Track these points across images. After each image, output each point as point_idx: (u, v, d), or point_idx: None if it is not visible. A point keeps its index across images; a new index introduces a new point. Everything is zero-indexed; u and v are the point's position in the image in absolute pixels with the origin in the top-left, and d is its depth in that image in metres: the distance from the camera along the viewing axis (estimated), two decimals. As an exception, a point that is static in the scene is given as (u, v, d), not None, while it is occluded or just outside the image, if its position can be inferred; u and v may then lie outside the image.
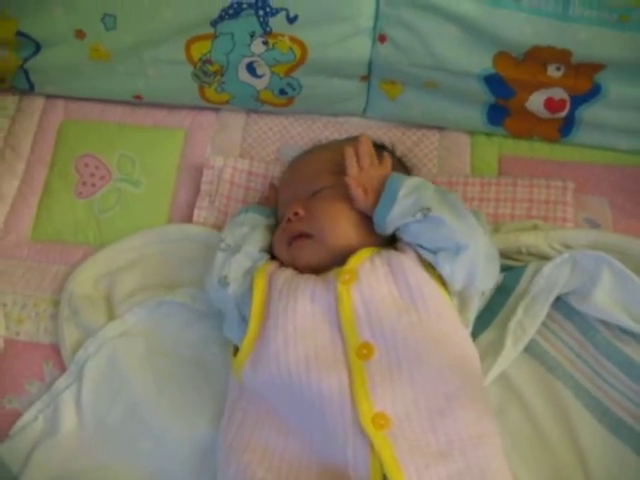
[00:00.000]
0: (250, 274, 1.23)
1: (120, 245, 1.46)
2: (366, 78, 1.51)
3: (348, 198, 1.23)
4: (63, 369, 1.33)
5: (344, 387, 1.06)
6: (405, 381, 1.07)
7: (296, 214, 1.25)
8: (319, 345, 1.10)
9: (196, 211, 1.46)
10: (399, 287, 1.14)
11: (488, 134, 1.56)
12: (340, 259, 1.18)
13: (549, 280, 1.29)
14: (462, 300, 1.20)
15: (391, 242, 1.25)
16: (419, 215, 1.14)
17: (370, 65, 1.47)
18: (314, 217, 1.24)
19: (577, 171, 1.50)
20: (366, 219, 1.23)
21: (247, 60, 1.46)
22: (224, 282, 1.23)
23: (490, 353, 1.26)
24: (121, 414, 1.29)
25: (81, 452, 1.27)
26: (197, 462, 1.22)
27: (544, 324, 1.30)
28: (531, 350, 1.29)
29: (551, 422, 1.25)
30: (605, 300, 1.26)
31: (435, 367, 1.08)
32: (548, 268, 1.29)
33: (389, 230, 1.20)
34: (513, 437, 1.22)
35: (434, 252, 1.16)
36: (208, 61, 1.46)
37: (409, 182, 1.19)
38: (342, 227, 1.23)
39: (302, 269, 1.22)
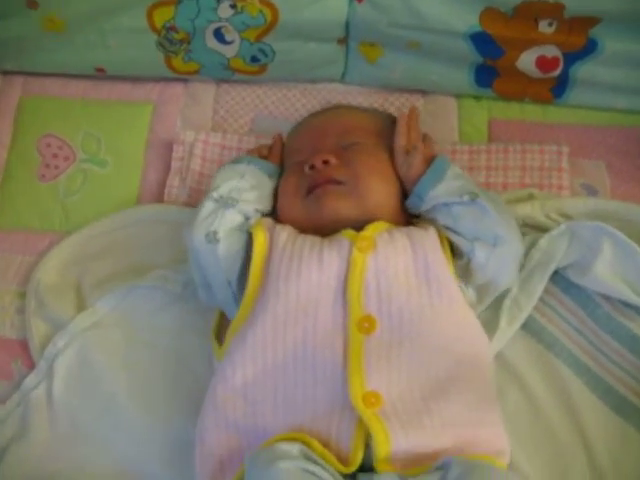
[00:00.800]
0: (242, 232, 1.14)
1: (88, 231, 1.35)
2: (344, 41, 1.39)
3: (387, 160, 1.20)
4: (32, 366, 1.24)
5: (338, 359, 1.00)
6: (403, 362, 1.01)
7: (326, 162, 1.15)
8: (319, 317, 1.03)
9: (167, 190, 1.36)
10: (416, 264, 1.06)
11: (476, 97, 1.45)
12: (356, 221, 1.11)
13: (546, 253, 1.20)
14: (479, 294, 1.13)
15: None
16: (466, 197, 1.10)
17: (347, 26, 1.35)
18: (350, 165, 1.15)
19: (572, 134, 1.40)
20: (399, 192, 1.19)
21: (214, 26, 1.33)
22: (213, 238, 1.12)
23: (486, 332, 1.14)
24: (95, 411, 1.20)
25: (55, 452, 1.18)
26: (175, 460, 1.14)
27: (541, 299, 1.22)
28: (528, 327, 1.21)
29: (551, 402, 1.17)
30: (606, 273, 1.18)
31: (437, 352, 1.02)
32: (545, 240, 1.20)
33: (425, 207, 1.14)
34: (512, 419, 1.14)
35: (471, 240, 1.10)
36: (172, 28, 1.34)
37: (456, 167, 1.17)
38: (378, 183, 1.16)
39: (316, 221, 1.13)
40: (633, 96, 1.38)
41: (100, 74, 1.45)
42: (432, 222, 1.14)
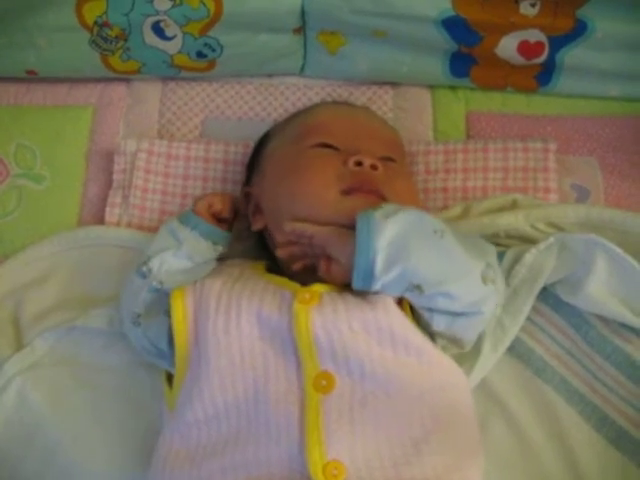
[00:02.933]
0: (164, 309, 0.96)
1: (24, 256, 1.18)
2: (300, 30, 1.20)
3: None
4: (-34, 412, 1.09)
5: (293, 422, 0.84)
6: (369, 423, 0.85)
7: (374, 167, 0.98)
8: (270, 373, 0.87)
9: (108, 209, 1.18)
10: (376, 315, 0.88)
11: (452, 87, 1.27)
12: None
13: (532, 269, 1.03)
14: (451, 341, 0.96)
15: None
16: (412, 293, 0.87)
17: (303, 14, 1.16)
18: (392, 185, 0.98)
19: (560, 126, 1.22)
20: None
21: (152, 20, 1.14)
22: (136, 320, 0.98)
23: (466, 359, 1.01)
24: (38, 462, 1.05)
25: (-6, 511, 1.05)
26: None
27: (529, 319, 1.06)
28: (514, 350, 1.06)
29: (540, 434, 1.03)
30: (600, 291, 1.01)
31: (407, 407, 0.87)
32: (531, 255, 1.03)
33: None
34: (497, 454, 1.01)
35: (427, 310, 0.91)
36: (106, 24, 1.15)
37: (383, 244, 0.85)
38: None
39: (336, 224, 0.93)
40: (627, 82, 1.20)
41: (32, 76, 1.27)
42: None
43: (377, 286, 0.86)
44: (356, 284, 0.86)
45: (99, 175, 1.23)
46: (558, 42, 1.13)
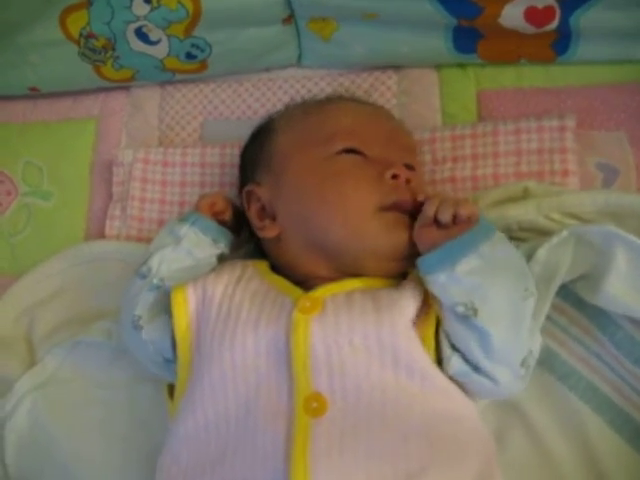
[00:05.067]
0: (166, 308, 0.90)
1: (36, 274, 1.16)
2: (290, 20, 1.10)
3: None
4: (-20, 435, 1.09)
5: (279, 445, 0.76)
6: (361, 453, 0.75)
7: (409, 181, 0.90)
8: (261, 389, 0.80)
9: (108, 222, 1.14)
10: (379, 331, 0.79)
11: (461, 65, 1.13)
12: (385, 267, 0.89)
13: (547, 266, 0.91)
14: None
15: None
16: (460, 309, 0.78)
17: (290, 3, 1.06)
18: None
19: (582, 99, 1.06)
20: None
21: (133, 26, 1.08)
22: (137, 324, 0.92)
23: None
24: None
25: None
26: None
27: (550, 318, 0.94)
28: (535, 355, 0.94)
29: (564, 447, 0.93)
30: (622, 289, 0.87)
31: (404, 439, 0.76)
32: (544, 250, 0.90)
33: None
34: (516, 469, 0.91)
35: (451, 347, 0.81)
36: (91, 35, 1.10)
37: (485, 251, 0.80)
38: None
39: (360, 244, 0.87)
40: (657, 41, 1.02)
41: (35, 93, 1.24)
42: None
43: (443, 275, 0.79)
44: (430, 259, 0.81)
45: (103, 188, 1.19)
46: (570, 4, 0.97)
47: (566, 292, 0.94)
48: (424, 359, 0.80)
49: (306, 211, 0.89)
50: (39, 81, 1.21)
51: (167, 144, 1.20)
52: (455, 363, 0.80)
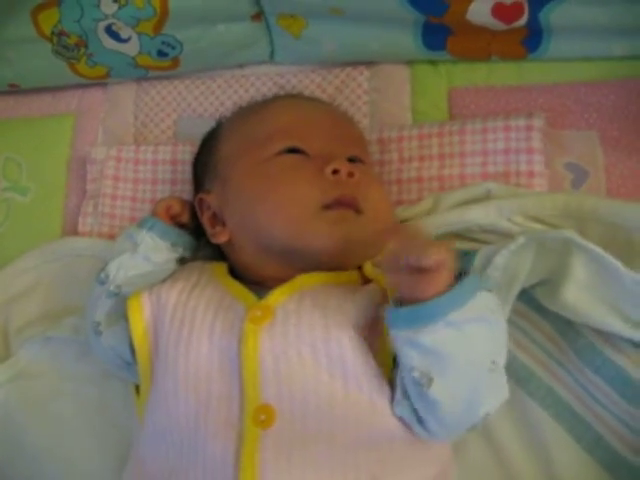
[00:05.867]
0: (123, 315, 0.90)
1: (12, 268, 1.16)
2: (260, 17, 1.08)
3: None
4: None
5: (229, 457, 0.75)
6: (309, 466, 0.75)
7: (351, 175, 0.87)
8: (212, 399, 0.79)
9: (80, 219, 1.14)
10: (327, 342, 0.77)
11: (432, 62, 1.09)
12: (338, 264, 0.86)
13: (506, 272, 0.88)
14: None
15: None
16: (416, 374, 0.71)
17: (258, 0, 1.04)
18: (369, 196, 0.88)
19: (554, 97, 1.03)
20: None
21: (103, 24, 1.07)
22: (97, 330, 0.92)
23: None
24: (25, 471, 1.03)
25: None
26: None
27: (510, 322, 0.89)
28: (494, 359, 0.90)
29: (523, 454, 0.91)
30: (581, 298, 0.85)
31: (354, 451, 0.75)
32: (501, 257, 0.87)
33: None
34: (475, 477, 0.89)
35: (404, 394, 0.76)
36: (63, 33, 1.09)
37: (457, 318, 0.70)
38: (391, 221, 0.93)
39: (306, 246, 0.85)
40: (634, 37, 0.96)
41: (15, 89, 1.24)
42: None
43: (405, 335, 0.71)
44: (394, 314, 0.72)
45: (80, 184, 1.19)
46: (538, 0, 0.93)
47: (529, 296, 0.91)
48: (373, 372, 0.77)
49: (250, 215, 0.88)
50: (17, 77, 1.21)
51: (142, 141, 1.19)
52: (403, 409, 0.75)
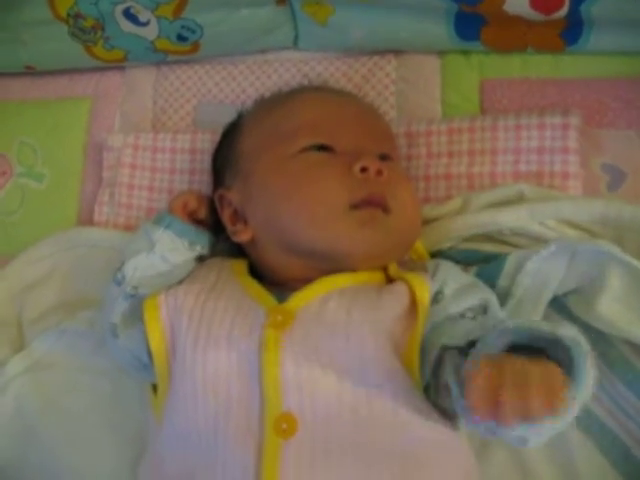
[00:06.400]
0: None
1: (27, 257, 1.13)
2: (284, 1, 1.03)
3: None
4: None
5: (249, 468, 0.73)
6: (331, 475, 0.72)
7: (380, 173, 0.84)
8: (233, 399, 0.77)
9: (96, 208, 1.11)
10: (349, 346, 0.75)
11: (465, 52, 1.04)
12: (364, 264, 0.83)
13: (537, 278, 0.85)
14: None
15: None
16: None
17: (283, -17, 0.99)
18: (398, 195, 0.85)
19: (592, 92, 0.97)
20: None
21: (121, 7, 1.03)
22: (114, 332, 0.90)
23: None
24: (37, 462, 1.01)
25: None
26: None
27: (539, 328, 0.86)
28: (522, 366, 0.86)
29: (547, 467, 0.87)
30: (616, 311, 0.82)
31: (376, 461, 0.73)
32: (533, 263, 0.84)
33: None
34: None
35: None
36: (79, 15, 1.06)
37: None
38: (419, 224, 0.90)
39: (331, 248, 0.82)
40: (679, 32, 0.91)
41: (32, 71, 1.19)
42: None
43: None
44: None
45: (96, 171, 1.15)
46: (580, -10, 0.88)
47: (560, 304, 0.87)
48: (398, 379, 0.75)
49: (275, 214, 0.84)
50: (32, 59, 1.17)
51: (160, 127, 1.15)
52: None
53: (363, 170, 0.83)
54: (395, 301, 0.78)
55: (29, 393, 1.05)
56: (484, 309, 0.80)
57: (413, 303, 0.78)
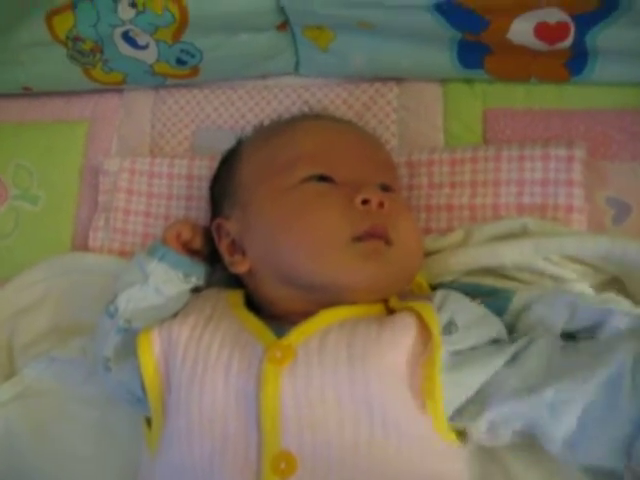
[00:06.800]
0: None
1: (20, 281, 1.11)
2: (285, 26, 1.02)
3: None
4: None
5: None
6: None
7: (381, 205, 0.82)
8: (229, 437, 0.74)
9: (91, 233, 1.09)
10: (353, 382, 0.72)
11: (468, 80, 1.02)
12: (365, 297, 0.81)
13: (543, 321, 0.81)
14: None
15: None
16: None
17: (284, 10, 0.97)
18: (399, 227, 0.83)
19: (597, 123, 0.95)
20: None
21: (120, 30, 1.01)
22: (107, 366, 0.88)
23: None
24: None
25: None
26: None
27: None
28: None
29: None
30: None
31: None
32: (539, 307, 0.81)
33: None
34: None
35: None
36: (78, 38, 1.04)
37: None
38: (420, 259, 0.88)
39: (331, 281, 0.81)
40: (687, 64, 0.89)
41: (29, 92, 1.18)
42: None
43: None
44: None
45: (92, 194, 1.13)
46: (585, 21, 0.86)
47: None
48: (403, 411, 0.72)
49: (274, 246, 0.82)
50: (30, 80, 1.15)
51: (157, 152, 1.13)
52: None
53: (365, 202, 0.81)
54: (399, 332, 0.75)
55: (18, 419, 1.02)
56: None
57: (422, 332, 0.75)
